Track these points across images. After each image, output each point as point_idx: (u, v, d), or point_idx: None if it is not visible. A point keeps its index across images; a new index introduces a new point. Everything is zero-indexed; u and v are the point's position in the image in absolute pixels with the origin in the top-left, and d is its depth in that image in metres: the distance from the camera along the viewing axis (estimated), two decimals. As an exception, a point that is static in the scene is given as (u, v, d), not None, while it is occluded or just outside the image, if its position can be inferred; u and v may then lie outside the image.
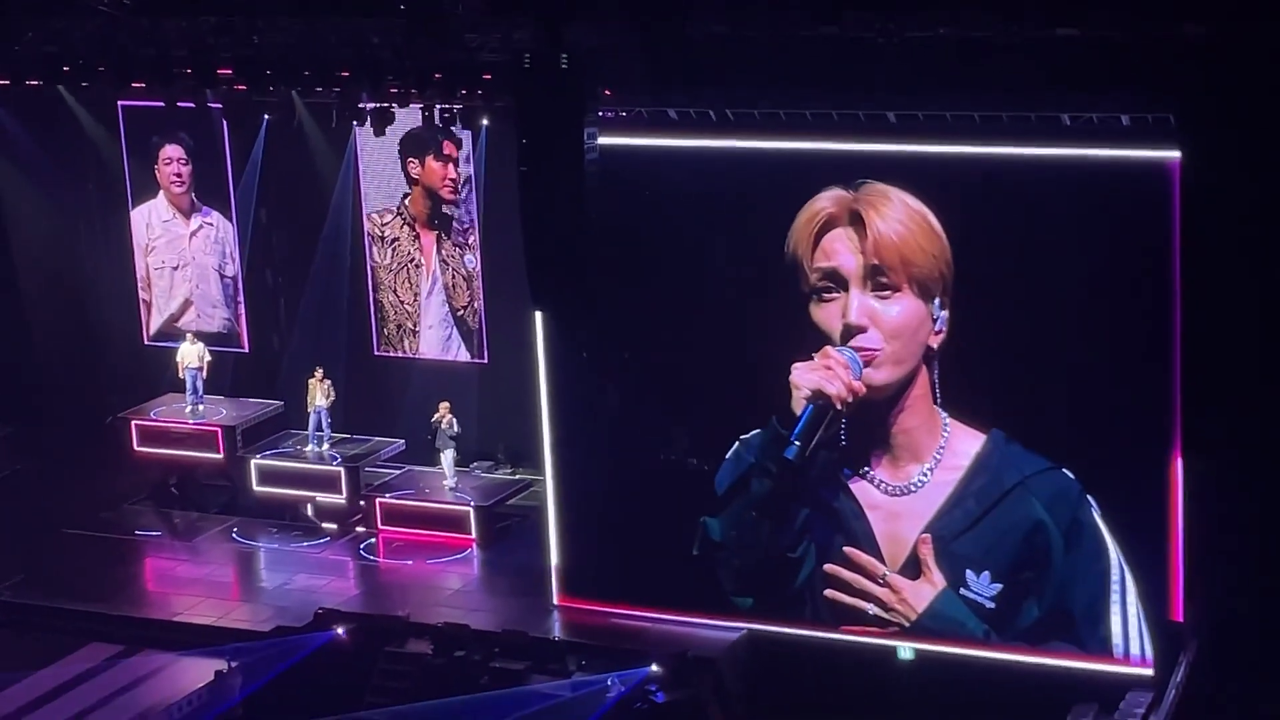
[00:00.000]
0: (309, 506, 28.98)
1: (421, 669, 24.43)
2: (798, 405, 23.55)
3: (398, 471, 29.27)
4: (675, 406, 24.61)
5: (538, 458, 25.95)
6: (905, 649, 23.98)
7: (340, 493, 28.81)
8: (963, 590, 23.50)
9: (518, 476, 29.12)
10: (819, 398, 23.39)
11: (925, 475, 23.56)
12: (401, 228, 29.95)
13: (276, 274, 31.37)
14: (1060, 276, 22.62)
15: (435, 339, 30.07)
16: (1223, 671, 22.55)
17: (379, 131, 26.47)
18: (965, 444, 23.33)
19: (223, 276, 31.42)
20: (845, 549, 24.01)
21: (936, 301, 23.02)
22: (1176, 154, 21.58)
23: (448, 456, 28.36)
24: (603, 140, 22.48)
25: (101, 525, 29.47)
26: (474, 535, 27.95)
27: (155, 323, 31.98)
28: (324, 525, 28.78)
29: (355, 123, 26.88)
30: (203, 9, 25.76)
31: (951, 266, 22.88)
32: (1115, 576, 22.80)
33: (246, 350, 31.47)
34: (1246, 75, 20.78)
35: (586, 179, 22.04)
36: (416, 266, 29.99)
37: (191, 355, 30.46)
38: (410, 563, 27.64)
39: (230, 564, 28.37)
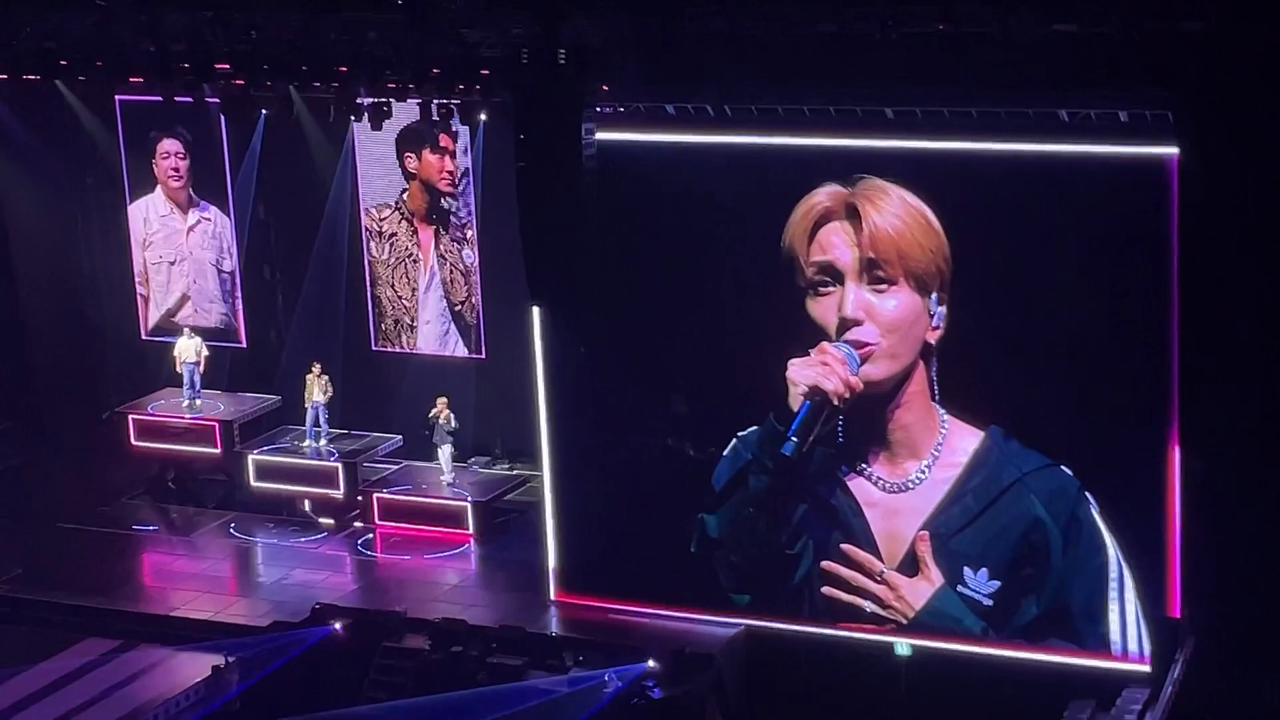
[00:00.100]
0: (306, 502, 28.97)
1: (419, 664, 24.43)
2: (795, 401, 23.55)
3: (395, 467, 29.27)
4: (672, 402, 24.59)
5: (535, 453, 25.94)
6: (902, 645, 23.97)
7: (338, 488, 28.79)
8: (960, 587, 23.49)
9: (515, 472, 29.09)
10: (816, 394, 23.38)
11: (923, 472, 23.55)
12: (399, 223, 29.93)
13: (274, 269, 31.34)
14: (1058, 273, 22.60)
15: (433, 334, 30.04)
16: (1220, 668, 22.54)
17: (376, 126, 26.46)
18: (963, 440, 23.31)
19: (220, 271, 31.40)
20: (843, 546, 24.00)
21: (934, 297, 23.00)
22: (1174, 150, 21.56)
23: (445, 452, 28.36)
24: (600, 136, 22.50)
25: (99, 520, 29.47)
26: (471, 531, 27.95)
27: (153, 317, 31.94)
28: (321, 520, 28.77)
29: (353, 118, 26.84)
30: (201, 4, 25.73)
31: (949, 262, 22.87)
32: (1114, 573, 22.79)
33: (244, 345, 31.43)
34: (1244, 71, 20.76)
35: (584, 175, 22.04)
36: (414, 261, 29.97)
37: (189, 350, 30.44)
38: (408, 558, 27.63)
39: (228, 559, 28.37)
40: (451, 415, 28.28)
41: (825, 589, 24.16)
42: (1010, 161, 22.40)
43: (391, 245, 30.03)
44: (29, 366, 32.75)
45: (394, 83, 25.20)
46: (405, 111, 26.79)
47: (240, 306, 31.37)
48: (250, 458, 29.34)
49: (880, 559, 23.86)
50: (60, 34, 26.53)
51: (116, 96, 30.50)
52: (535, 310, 24.79)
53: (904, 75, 22.50)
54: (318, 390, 29.26)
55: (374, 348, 30.43)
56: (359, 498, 28.71)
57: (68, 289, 32.59)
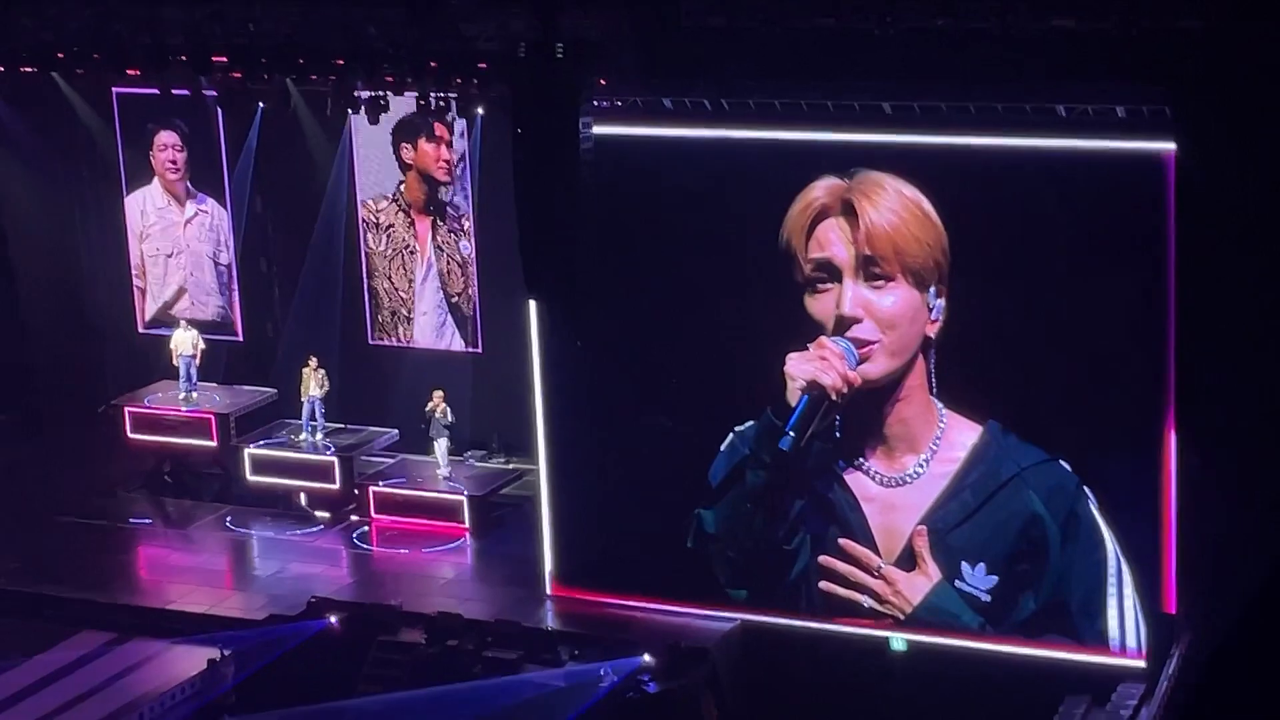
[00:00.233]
0: (302, 495, 28.97)
1: (414, 658, 24.43)
2: (793, 396, 23.50)
3: (391, 460, 29.26)
4: (668, 397, 24.58)
5: (531, 447, 25.93)
6: (897, 640, 23.96)
7: (334, 482, 28.79)
8: (958, 583, 23.46)
9: (511, 466, 29.08)
10: (814, 388, 23.33)
11: (921, 466, 23.52)
12: (396, 214, 29.92)
13: (271, 262, 31.34)
14: (1056, 268, 22.59)
15: (429, 325, 30.02)
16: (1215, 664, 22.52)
17: (373, 120, 26.46)
18: (962, 435, 23.28)
19: (217, 264, 31.38)
20: (840, 541, 23.97)
21: (932, 290, 22.97)
22: (1172, 146, 21.56)
23: (441, 445, 28.34)
24: (598, 130, 22.49)
25: (95, 512, 29.46)
26: (467, 524, 27.93)
27: (150, 310, 31.93)
28: (317, 514, 28.76)
29: (350, 111, 26.84)
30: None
31: (948, 254, 22.81)
32: (1112, 569, 22.76)
33: (240, 338, 31.43)
34: (1242, 68, 20.76)
35: (581, 168, 22.03)
36: (411, 253, 29.96)
37: (185, 342, 30.41)
38: (403, 552, 27.62)
39: (223, 552, 28.37)
40: (448, 409, 28.27)
41: (823, 584, 24.14)
42: (1008, 157, 22.38)
43: (389, 236, 30.02)
44: (25, 359, 32.73)
45: (391, 76, 25.20)
46: (401, 104, 26.77)
47: (237, 299, 31.36)
48: (246, 451, 29.32)
49: (878, 554, 23.84)
50: (58, 27, 26.53)
51: (113, 89, 30.46)
52: (532, 304, 24.77)
53: (902, 70, 22.49)
54: (314, 384, 29.25)
55: (370, 341, 30.42)
56: (355, 491, 28.70)
57: (64, 281, 32.58)
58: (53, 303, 32.63)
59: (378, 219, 30.02)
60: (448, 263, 29.72)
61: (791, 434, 23.34)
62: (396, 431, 29.55)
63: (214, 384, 30.83)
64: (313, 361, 29.32)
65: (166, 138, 31.15)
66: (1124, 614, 22.83)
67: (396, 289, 30.11)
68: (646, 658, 23.68)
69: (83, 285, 32.63)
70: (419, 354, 30.08)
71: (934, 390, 23.29)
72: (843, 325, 23.23)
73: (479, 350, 29.66)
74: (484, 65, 24.40)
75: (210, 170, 31.09)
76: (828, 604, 24.16)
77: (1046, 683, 22.84)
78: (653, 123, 23.96)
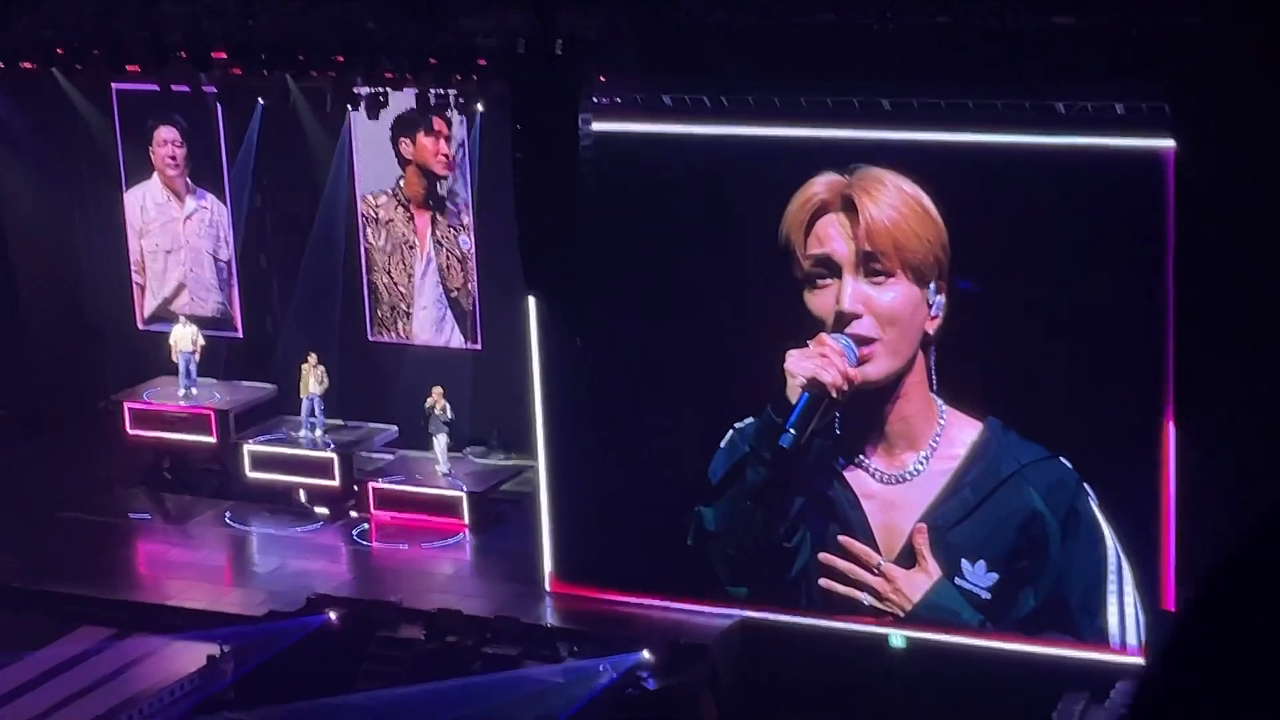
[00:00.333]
0: (302, 492, 28.96)
1: (413, 654, 24.44)
2: (793, 393, 23.43)
3: (390, 457, 29.26)
4: (668, 393, 24.59)
5: (531, 444, 25.93)
6: (896, 637, 23.94)
7: (333, 478, 28.78)
8: (958, 580, 23.43)
9: (511, 462, 29.07)
10: (814, 386, 23.25)
11: (921, 464, 23.47)
12: (396, 209, 29.91)
13: (270, 258, 31.33)
14: (1055, 264, 22.58)
15: (429, 320, 29.99)
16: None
17: (373, 116, 26.45)
18: (962, 432, 23.24)
19: (217, 260, 31.36)
20: (840, 538, 23.91)
21: (932, 286, 22.93)
22: (1171, 143, 21.54)
23: (440, 442, 28.32)
24: (597, 126, 22.50)
25: (94, 508, 29.43)
26: (467, 521, 27.93)
27: (149, 306, 31.90)
28: (317, 510, 28.76)
29: (349, 107, 26.84)
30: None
31: (948, 250, 22.76)
32: (1112, 566, 22.74)
33: (240, 334, 31.41)
34: (1242, 65, 20.76)
35: (580, 165, 22.04)
36: (410, 248, 29.94)
37: (184, 338, 30.38)
38: (403, 548, 27.63)
39: (223, 548, 28.37)
40: (447, 405, 28.25)
41: (822, 581, 24.08)
42: (1007, 154, 22.38)
43: (388, 231, 30.01)
44: (24, 355, 32.71)
45: (391, 72, 25.20)
46: (400, 99, 26.75)
47: (236, 295, 31.33)
48: (246, 448, 29.30)
49: (878, 551, 23.79)
50: (57, 23, 26.52)
51: (113, 85, 30.45)
52: (531, 300, 24.77)
53: (901, 67, 22.48)
54: (313, 381, 29.22)
55: (370, 338, 30.42)
56: (354, 488, 28.69)
57: (63, 277, 32.55)
58: (52, 299, 32.61)
59: (377, 214, 30.02)
60: (447, 257, 29.70)
61: (792, 431, 23.24)
62: (396, 428, 29.52)
63: (213, 380, 30.79)
64: (312, 358, 29.31)
65: (166, 133, 31.12)
66: (1124, 611, 22.82)
67: (396, 284, 30.10)
68: (645, 654, 23.68)
69: (82, 281, 32.60)
70: (418, 351, 30.06)
71: (934, 387, 23.25)
72: (842, 321, 23.17)
73: (478, 346, 29.64)
74: (483, 62, 24.39)
75: (210, 166, 31.07)
76: (828, 601, 24.14)
77: (1046, 680, 22.84)
78: (652, 119, 23.95)
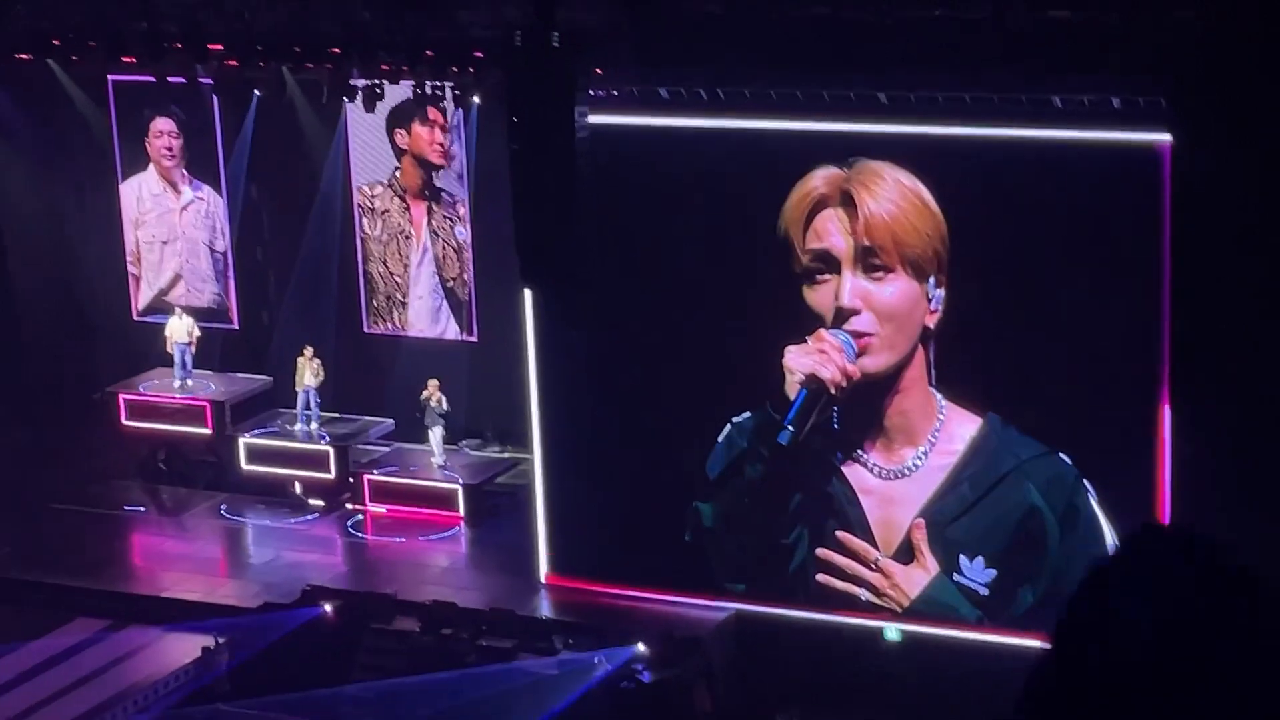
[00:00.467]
0: (297, 484, 28.95)
1: (409, 646, 24.43)
2: (791, 389, 23.31)
3: (386, 449, 29.25)
4: (665, 388, 24.57)
5: (527, 436, 25.92)
6: (891, 630, 23.93)
7: (329, 470, 28.77)
8: (956, 576, 23.36)
9: (507, 455, 29.06)
10: (813, 382, 23.09)
11: (920, 459, 23.39)
12: (392, 199, 29.89)
13: (266, 249, 31.32)
14: (1052, 259, 22.55)
15: (425, 310, 29.95)
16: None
17: (369, 108, 26.46)
18: (961, 427, 23.15)
19: (213, 251, 31.34)
20: (838, 534, 23.79)
21: (931, 281, 22.86)
22: (1167, 137, 21.53)
23: (436, 434, 28.30)
24: (594, 119, 22.44)
25: (89, 500, 29.42)
26: (462, 513, 27.92)
27: (144, 297, 31.89)
28: (312, 502, 28.75)
29: (346, 99, 26.82)
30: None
31: (947, 243, 22.66)
32: (1110, 562, 22.69)
33: (236, 326, 31.40)
34: (1238, 59, 20.75)
35: (577, 158, 22.00)
36: (406, 238, 29.91)
37: (180, 330, 30.38)
38: (398, 540, 27.61)
39: (218, 540, 28.36)
40: (443, 397, 28.23)
41: (820, 577, 23.96)
42: (1004, 147, 22.33)
43: (384, 221, 29.98)
44: (19, 345, 32.68)
45: (387, 64, 25.18)
46: (396, 90, 26.73)
47: (232, 286, 31.32)
48: (241, 440, 29.30)
49: (876, 547, 23.71)
50: (54, 14, 26.51)
51: (109, 77, 30.42)
52: (527, 293, 24.74)
53: (898, 60, 22.46)
54: (309, 374, 29.21)
55: (366, 330, 30.40)
56: (350, 480, 28.68)
57: (59, 268, 32.52)
58: (47, 290, 32.57)
59: (373, 204, 29.99)
60: (443, 247, 29.68)
61: (790, 428, 22.95)
62: (391, 422, 29.51)
63: (209, 371, 30.79)
64: (308, 351, 29.30)
65: (162, 124, 31.09)
66: (1122, 607, 22.74)
67: (392, 273, 30.07)
68: (641, 647, 23.67)
69: (77, 272, 32.58)
70: (414, 343, 30.05)
71: (933, 382, 23.20)
72: (841, 317, 23.06)
73: (474, 339, 29.63)
74: (479, 54, 24.38)
75: (206, 157, 31.05)
76: (826, 597, 24.08)
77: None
78: (649, 112, 23.92)
